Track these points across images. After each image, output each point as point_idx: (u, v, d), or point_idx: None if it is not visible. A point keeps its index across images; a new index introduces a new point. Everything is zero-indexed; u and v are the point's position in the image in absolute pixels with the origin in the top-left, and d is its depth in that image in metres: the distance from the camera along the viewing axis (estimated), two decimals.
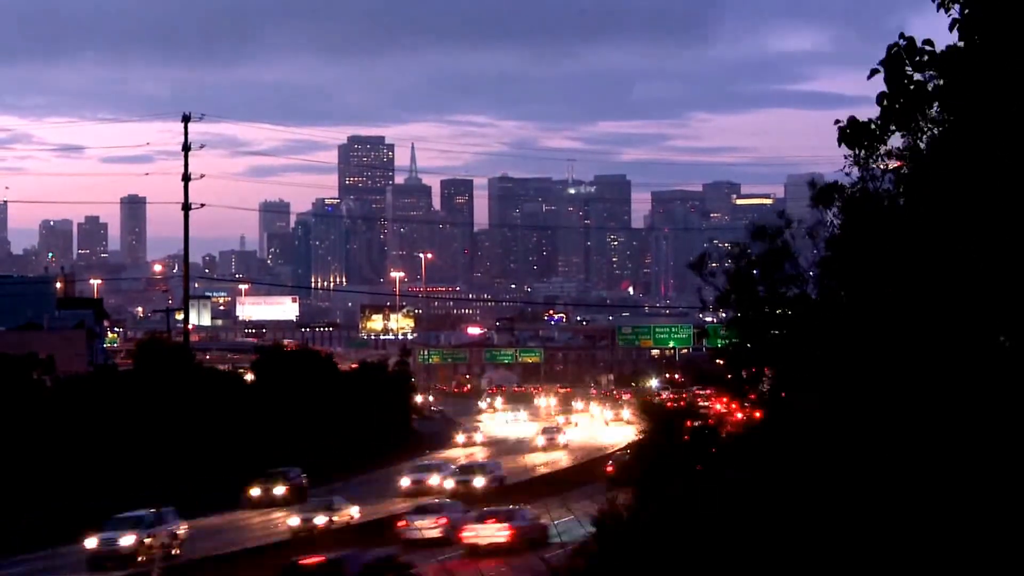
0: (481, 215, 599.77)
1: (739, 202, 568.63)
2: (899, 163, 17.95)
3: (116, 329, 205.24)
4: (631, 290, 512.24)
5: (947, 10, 15.53)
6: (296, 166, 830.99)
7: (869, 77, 16.46)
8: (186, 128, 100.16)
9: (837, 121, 17.36)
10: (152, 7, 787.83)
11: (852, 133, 17.26)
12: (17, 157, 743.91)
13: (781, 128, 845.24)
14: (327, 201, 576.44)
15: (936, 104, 16.58)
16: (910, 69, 16.21)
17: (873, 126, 17.04)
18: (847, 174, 18.82)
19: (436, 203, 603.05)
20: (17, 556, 58.51)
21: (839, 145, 17.61)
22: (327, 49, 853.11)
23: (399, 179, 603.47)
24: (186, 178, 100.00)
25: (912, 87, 16.34)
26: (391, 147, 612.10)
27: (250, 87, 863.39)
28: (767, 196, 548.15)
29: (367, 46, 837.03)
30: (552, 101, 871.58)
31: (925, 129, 17.05)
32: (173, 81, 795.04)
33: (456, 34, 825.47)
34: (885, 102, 16.54)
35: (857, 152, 17.83)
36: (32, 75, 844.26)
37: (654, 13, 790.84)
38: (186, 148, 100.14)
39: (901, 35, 16.28)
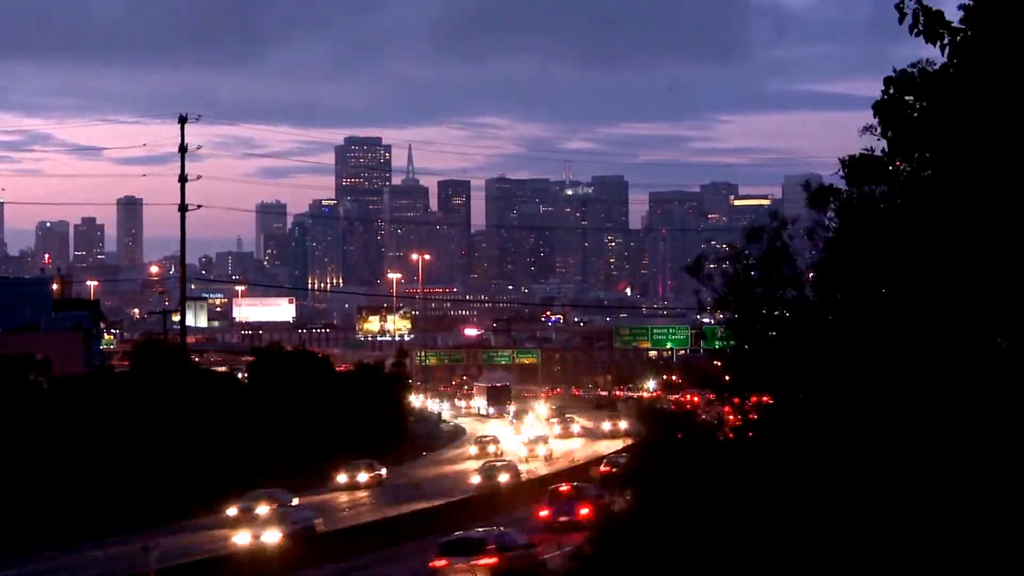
0: (478, 216, 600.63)
1: (737, 203, 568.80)
2: (895, 166, 17.96)
3: (113, 331, 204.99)
4: (628, 291, 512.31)
5: (940, 41, 15.68)
6: (297, 168, 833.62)
7: (874, 114, 16.56)
8: (182, 129, 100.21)
9: (842, 161, 17.41)
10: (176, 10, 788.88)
11: (856, 169, 17.31)
12: (34, 159, 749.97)
13: (805, 130, 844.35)
14: (324, 202, 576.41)
15: (934, 126, 16.68)
16: (911, 98, 16.36)
17: (880, 155, 17.10)
18: (843, 177, 18.81)
19: (433, 204, 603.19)
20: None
21: (844, 181, 17.65)
22: (337, 51, 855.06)
23: (396, 180, 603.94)
24: (182, 179, 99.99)
25: (914, 115, 16.47)
26: (388, 148, 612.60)
27: (266, 89, 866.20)
28: (765, 197, 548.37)
29: (383, 48, 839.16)
30: (572, 104, 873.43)
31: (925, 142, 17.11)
32: (195, 83, 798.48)
33: (474, 36, 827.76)
34: (889, 134, 16.62)
35: (862, 187, 17.92)
36: (56, 76, 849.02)
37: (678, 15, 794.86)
38: (182, 149, 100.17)
39: (895, 69, 16.46)
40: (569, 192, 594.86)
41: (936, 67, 16.72)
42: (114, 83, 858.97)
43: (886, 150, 17.23)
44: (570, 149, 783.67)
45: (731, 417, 25.57)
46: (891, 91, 16.57)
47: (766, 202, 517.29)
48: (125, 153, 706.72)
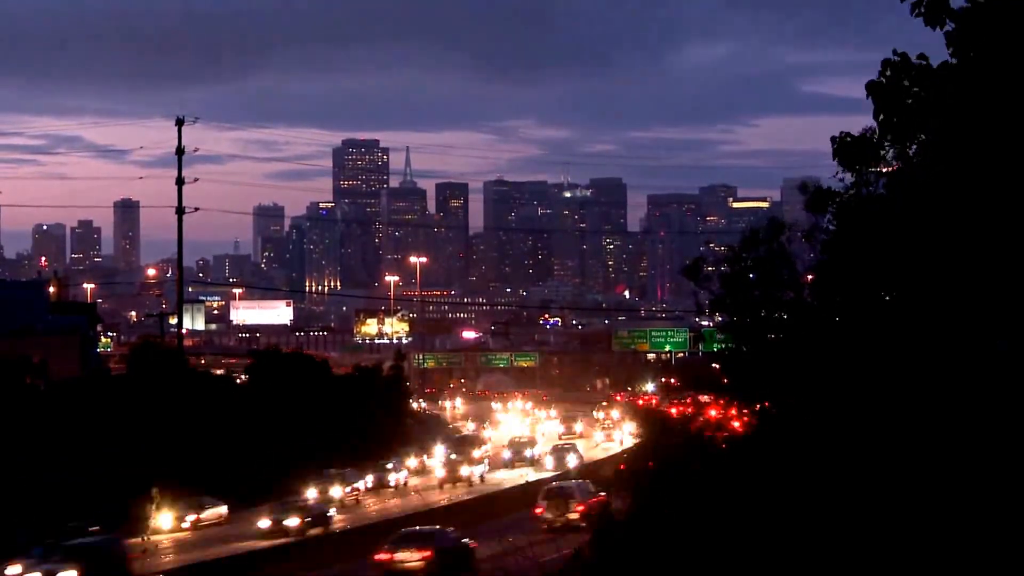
0: (476, 218, 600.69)
1: (736, 205, 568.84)
2: (894, 166, 17.85)
3: (109, 334, 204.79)
4: (627, 293, 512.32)
5: (941, 27, 15.62)
6: (296, 170, 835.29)
7: (867, 94, 16.42)
8: (179, 132, 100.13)
9: (833, 139, 17.28)
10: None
11: (847, 149, 17.18)
12: (58, 162, 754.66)
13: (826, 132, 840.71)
14: (321, 205, 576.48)
15: (931, 117, 16.56)
16: (906, 83, 16.26)
17: (870, 136, 16.95)
18: (841, 179, 18.70)
19: (431, 207, 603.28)
20: None
21: (834, 160, 17.52)
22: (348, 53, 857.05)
23: (394, 182, 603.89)
24: (180, 181, 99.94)
25: (909, 101, 16.35)
26: (385, 150, 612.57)
27: (294, 93, 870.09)
28: (763, 199, 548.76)
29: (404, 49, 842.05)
30: (600, 107, 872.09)
31: (920, 138, 16.99)
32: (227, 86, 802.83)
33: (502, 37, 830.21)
34: (881, 116, 16.48)
35: (854, 169, 17.77)
36: (86, 80, 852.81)
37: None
38: (180, 151, 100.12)
39: (894, 51, 16.36)
40: (567, 194, 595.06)
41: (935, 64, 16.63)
42: (129, 86, 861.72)
43: (877, 132, 17.13)
44: (592, 152, 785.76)
45: (732, 420, 25.47)
46: (888, 73, 16.47)
47: (765, 204, 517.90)
48: (142, 155, 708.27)
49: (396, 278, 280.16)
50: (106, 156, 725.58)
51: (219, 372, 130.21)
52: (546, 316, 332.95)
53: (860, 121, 17.22)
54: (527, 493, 70.57)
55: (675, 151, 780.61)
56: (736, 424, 27.53)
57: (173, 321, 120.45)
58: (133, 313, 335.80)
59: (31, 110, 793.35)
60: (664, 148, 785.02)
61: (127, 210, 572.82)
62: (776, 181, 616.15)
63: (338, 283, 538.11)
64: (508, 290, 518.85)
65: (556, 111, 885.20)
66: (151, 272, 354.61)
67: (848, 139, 17.23)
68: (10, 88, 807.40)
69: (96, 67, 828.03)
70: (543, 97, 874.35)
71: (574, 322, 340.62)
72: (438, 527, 54.76)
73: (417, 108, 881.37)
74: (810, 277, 22.39)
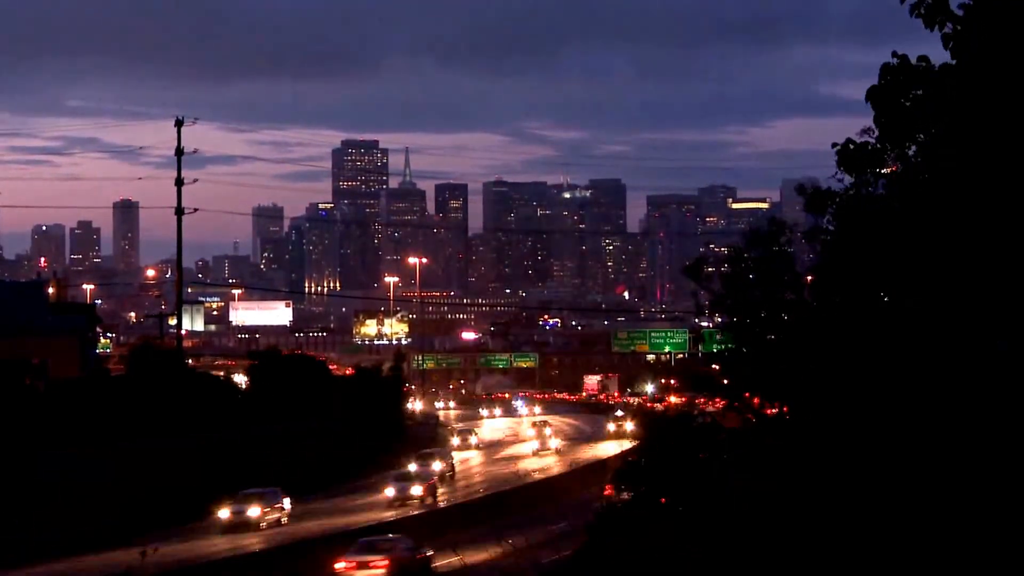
0: (476, 219, 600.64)
1: (735, 206, 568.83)
2: (893, 167, 17.84)
3: (108, 334, 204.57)
4: (626, 294, 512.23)
5: (940, 28, 15.64)
6: (296, 172, 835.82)
7: (866, 99, 16.44)
8: (179, 132, 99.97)
9: (835, 144, 17.30)
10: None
11: (849, 156, 17.18)
12: (72, 163, 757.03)
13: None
14: (321, 205, 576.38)
15: (932, 119, 16.58)
16: (906, 86, 16.29)
17: (871, 147, 16.98)
18: (840, 180, 18.71)
19: (431, 207, 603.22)
20: None
21: (838, 168, 17.54)
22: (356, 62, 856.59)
23: (394, 183, 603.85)
24: (179, 182, 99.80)
25: (908, 104, 16.37)
26: (385, 151, 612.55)
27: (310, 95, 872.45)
28: (763, 200, 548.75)
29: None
30: (619, 109, 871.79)
31: (919, 138, 17.01)
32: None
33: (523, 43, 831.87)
34: (883, 120, 16.49)
35: (856, 176, 17.81)
36: (95, 79, 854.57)
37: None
38: (179, 152, 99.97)
39: (894, 54, 16.38)
40: (567, 195, 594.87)
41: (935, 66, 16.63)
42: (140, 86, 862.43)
43: (878, 137, 17.15)
44: (606, 154, 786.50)
45: (732, 420, 25.41)
46: (887, 78, 16.50)
47: (764, 205, 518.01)
48: (153, 156, 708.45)
49: (395, 279, 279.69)
50: (119, 157, 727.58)
51: (218, 373, 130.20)
52: (545, 317, 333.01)
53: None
54: None
55: (689, 152, 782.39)
56: (734, 423, 27.55)
57: (172, 322, 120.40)
58: (132, 314, 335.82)
59: (47, 112, 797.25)
60: (680, 149, 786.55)
61: (127, 211, 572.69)
62: (776, 181, 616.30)
63: (337, 284, 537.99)
64: (507, 291, 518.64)
65: (573, 112, 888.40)
66: (150, 273, 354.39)
67: (850, 146, 17.25)
68: (20, 89, 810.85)
69: (101, 65, 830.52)
70: (562, 97, 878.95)
71: (573, 323, 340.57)
72: None
73: (422, 109, 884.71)
74: (810, 278, 22.37)
